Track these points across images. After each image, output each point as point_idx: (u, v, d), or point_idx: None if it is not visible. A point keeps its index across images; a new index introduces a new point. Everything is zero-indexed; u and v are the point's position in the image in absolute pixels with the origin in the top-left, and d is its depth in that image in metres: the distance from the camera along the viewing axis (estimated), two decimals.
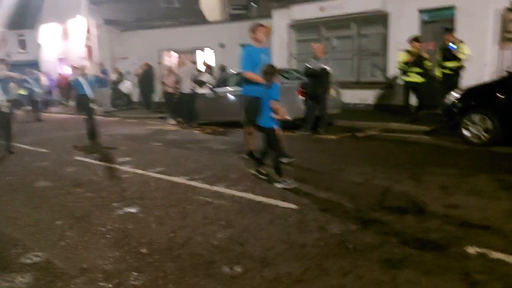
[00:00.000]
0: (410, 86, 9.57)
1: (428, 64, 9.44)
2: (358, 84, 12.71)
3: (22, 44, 29.13)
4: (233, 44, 16.58)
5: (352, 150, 7.09)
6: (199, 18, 21.97)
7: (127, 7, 20.11)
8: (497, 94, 6.80)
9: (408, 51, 9.54)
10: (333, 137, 8.42)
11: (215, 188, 5.03)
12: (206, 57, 17.41)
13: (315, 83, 8.74)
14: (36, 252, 3.38)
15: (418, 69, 9.35)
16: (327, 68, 8.69)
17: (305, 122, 9.04)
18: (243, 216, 4.04)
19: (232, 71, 12.02)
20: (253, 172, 5.46)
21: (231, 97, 10.65)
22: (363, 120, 10.07)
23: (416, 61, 9.36)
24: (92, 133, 9.22)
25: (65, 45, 24.93)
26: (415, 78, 9.41)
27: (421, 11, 11.32)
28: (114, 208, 4.45)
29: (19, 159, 7.37)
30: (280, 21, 14.32)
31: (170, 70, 12.29)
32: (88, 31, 10.26)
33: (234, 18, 19.83)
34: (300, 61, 13.69)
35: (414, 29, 11.23)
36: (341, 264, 3.00)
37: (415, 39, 9.59)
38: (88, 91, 9.31)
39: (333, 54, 12.58)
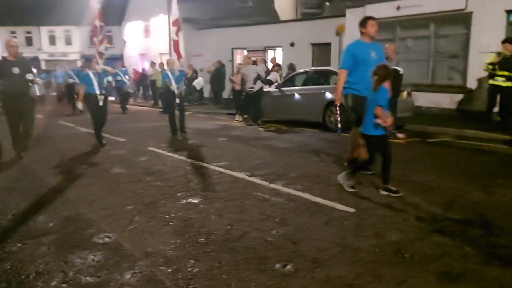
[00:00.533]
0: (495, 90, 8.94)
1: None
2: (433, 87, 12.10)
3: (109, 39, 31.42)
4: (304, 43, 16.55)
5: (420, 156, 6.80)
6: (271, 17, 22.26)
7: (204, 6, 20.88)
8: None
9: (499, 53, 8.91)
10: (401, 140, 8.13)
11: (273, 185, 5.12)
12: (275, 56, 17.55)
13: None
14: (107, 233, 3.70)
15: (506, 73, 8.72)
16: (399, 69, 8.39)
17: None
18: (298, 215, 4.09)
19: (300, 70, 12.02)
20: (344, 181, 4.88)
21: (297, 96, 10.68)
22: (436, 125, 9.59)
23: (505, 64, 8.71)
24: (181, 127, 9.48)
25: (146, 42, 26.51)
26: (502, 82, 8.78)
27: (508, 12, 10.48)
28: (179, 197, 4.71)
29: (99, 147, 8.02)
30: (354, 20, 14.00)
31: (239, 68, 12.60)
32: (178, 27, 10.46)
33: (306, 17, 19.78)
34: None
35: (500, 31, 10.45)
36: (396, 272, 2.94)
37: (508, 41, 8.90)
38: (175, 85, 9.27)
39: (407, 55, 12.10)
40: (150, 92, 19.66)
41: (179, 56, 10.31)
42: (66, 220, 4.05)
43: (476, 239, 3.47)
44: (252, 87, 11.14)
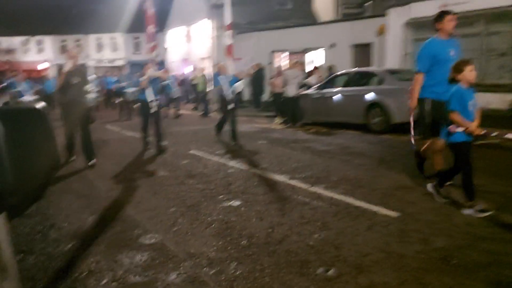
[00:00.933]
0: None
1: None
2: (482, 87, 11.56)
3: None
4: (345, 44, 16.35)
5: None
6: (310, 19, 22.14)
7: (242, 10, 21.09)
8: None
9: None
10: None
11: (314, 188, 5.09)
12: (316, 58, 17.43)
13: None
14: (152, 234, 3.83)
15: None
16: None
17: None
18: (340, 219, 4.04)
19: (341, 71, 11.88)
20: (431, 190, 4.54)
21: (338, 97, 10.55)
22: (485, 126, 9.14)
23: None
24: (233, 135, 8.85)
25: (188, 47, 27.12)
26: None
27: None
28: (220, 200, 4.79)
29: (144, 150, 8.29)
30: (397, 19, 13.72)
31: (279, 71, 12.62)
32: (229, 29, 10.19)
33: (346, 17, 19.52)
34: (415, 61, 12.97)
35: None
36: (443, 280, 2.84)
37: None
38: (227, 90, 8.80)
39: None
40: (192, 96, 20.05)
41: (237, 59, 9.77)
42: (115, 220, 4.22)
43: None
44: (298, 91, 11.22)
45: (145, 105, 8.16)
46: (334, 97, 10.64)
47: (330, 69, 14.51)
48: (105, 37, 39.36)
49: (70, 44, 37.07)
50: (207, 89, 16.77)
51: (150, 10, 8.65)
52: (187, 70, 24.84)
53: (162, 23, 30.07)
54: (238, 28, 21.35)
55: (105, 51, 39.84)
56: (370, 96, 9.63)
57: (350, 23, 16.64)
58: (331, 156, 7.08)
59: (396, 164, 6.34)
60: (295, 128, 10.97)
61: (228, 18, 9.77)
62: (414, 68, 5.26)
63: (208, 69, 20.89)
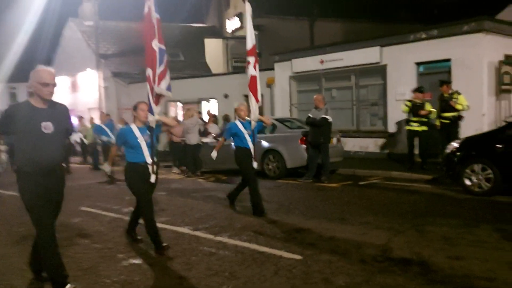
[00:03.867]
0: (413, 135, 9.92)
1: (430, 113, 9.78)
2: (358, 133, 12.97)
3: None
4: (237, 94, 17.08)
5: (354, 199, 7.16)
6: (203, 70, 22.81)
7: (133, 60, 20.96)
8: (496, 143, 6.97)
9: (410, 101, 9.96)
10: (335, 185, 8.52)
11: (219, 238, 5.08)
12: (210, 108, 17.86)
13: (317, 132, 8.98)
14: None
15: (419, 119, 9.74)
16: (328, 117, 8.96)
17: (308, 170, 9.19)
18: (246, 267, 4.08)
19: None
20: None
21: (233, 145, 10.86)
22: (365, 168, 10.20)
23: (418, 110, 9.74)
24: (258, 202, 6.39)
25: (74, 97, 25.73)
26: (417, 127, 9.81)
27: (418, 64, 11.77)
28: (121, 259, 4.49)
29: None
30: (282, 73, 14.87)
31: (176, 121, 12.62)
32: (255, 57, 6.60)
33: (237, 70, 20.58)
34: (300, 111, 14.10)
35: (412, 81, 11.64)
36: None
37: (417, 90, 10.05)
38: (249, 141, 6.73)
39: (333, 104, 12.93)
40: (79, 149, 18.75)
41: (256, 98, 6.80)
42: None
43: (416, 276, 3.69)
44: (199, 139, 11.27)
45: (140, 169, 5.20)
46: (231, 145, 10.90)
47: (226, 118, 14.94)
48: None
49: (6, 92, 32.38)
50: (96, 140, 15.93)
51: (153, 16, 6.75)
52: (73, 121, 23.41)
53: None
54: (129, 77, 21.05)
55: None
56: (265, 143, 10.10)
57: (241, 75, 17.53)
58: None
59: (293, 207, 6.67)
60: (194, 177, 10.91)
61: (252, 40, 7.05)
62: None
63: (96, 120, 19.99)
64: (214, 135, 11.57)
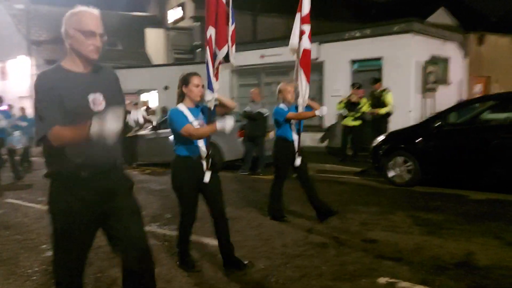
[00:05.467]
0: (347, 130, 10.41)
1: (363, 109, 10.29)
2: None
3: None
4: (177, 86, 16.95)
5: (286, 190, 7.39)
6: (143, 61, 22.31)
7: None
8: (416, 138, 7.51)
9: (346, 97, 10.44)
10: (270, 177, 8.72)
11: (148, 228, 5.08)
12: (148, 99, 17.55)
13: (253, 126, 9.16)
14: None
15: (354, 114, 10.25)
16: (263, 111, 9.17)
17: (244, 163, 9.36)
18: (172, 254, 4.14)
19: None
20: None
21: (172, 138, 10.80)
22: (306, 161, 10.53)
23: (352, 106, 10.24)
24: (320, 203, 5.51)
25: (2, 84, 24.10)
26: (351, 122, 10.32)
27: (353, 61, 12.33)
28: (44, 250, 4.38)
29: None
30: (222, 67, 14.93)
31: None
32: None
33: (178, 62, 20.34)
34: (241, 104, 14.25)
35: (346, 77, 12.18)
36: None
37: (353, 86, 10.55)
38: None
39: (273, 98, 13.20)
40: None
41: (308, 77, 5.31)
42: None
43: (331, 258, 3.95)
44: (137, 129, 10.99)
45: None
46: (169, 137, 10.82)
47: (164, 110, 14.76)
48: None
49: None
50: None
51: None
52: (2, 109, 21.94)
53: None
54: None
55: None
56: None
57: (182, 67, 17.37)
58: (166, 195, 7.16)
59: (227, 198, 6.76)
60: (130, 169, 10.71)
61: (307, 7, 5.31)
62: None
63: (29, 109, 18.90)
64: (151, 127, 11.41)
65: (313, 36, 13.49)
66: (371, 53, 11.97)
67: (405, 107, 11.07)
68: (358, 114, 10.36)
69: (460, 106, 8.57)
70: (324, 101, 12.74)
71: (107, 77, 2.37)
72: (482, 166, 6.79)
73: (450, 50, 13.37)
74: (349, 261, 3.87)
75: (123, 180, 2.47)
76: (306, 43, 5.10)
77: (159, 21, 24.64)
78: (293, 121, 5.19)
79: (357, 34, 12.18)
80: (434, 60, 12.14)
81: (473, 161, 6.86)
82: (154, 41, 22.70)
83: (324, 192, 7.14)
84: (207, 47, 3.71)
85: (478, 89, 14.79)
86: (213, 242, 4.14)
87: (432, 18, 18.08)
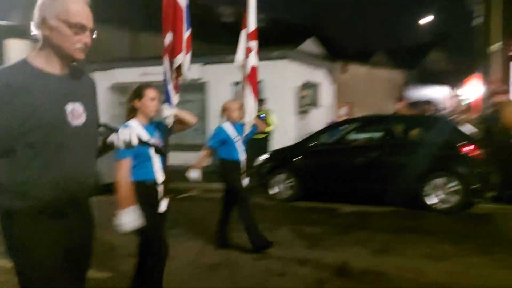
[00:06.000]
0: None
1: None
2: (181, 146, 13.25)
3: None
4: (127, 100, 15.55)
5: (169, 213, 7.26)
6: None
7: None
8: (295, 156, 8.05)
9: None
10: None
11: None
12: None
13: None
14: None
15: None
16: None
17: None
18: None
19: None
20: None
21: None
22: (186, 181, 10.42)
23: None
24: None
25: None
26: None
27: (234, 83, 12.78)
28: None
29: None
30: (102, 83, 14.16)
31: None
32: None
33: None
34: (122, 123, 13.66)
35: (229, 98, 12.53)
36: None
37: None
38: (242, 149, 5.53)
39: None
40: None
41: (256, 94, 4.99)
42: None
43: (224, 277, 3.97)
44: None
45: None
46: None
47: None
48: None
49: None
50: None
51: None
52: None
53: None
54: None
55: None
56: None
57: None
58: None
59: (109, 224, 6.37)
60: None
61: (253, 22, 4.00)
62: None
63: None
64: None
65: (197, 57, 13.61)
66: None
67: (283, 128, 11.82)
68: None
69: (329, 128, 9.46)
70: (207, 120, 12.92)
71: (86, 84, 1.93)
72: (350, 182, 7.58)
73: (320, 77, 14.76)
74: (241, 279, 3.94)
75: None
76: (253, 60, 4.94)
77: (22, 32, 22.27)
78: (238, 140, 4.93)
79: None
80: (307, 85, 13.25)
81: (342, 177, 7.63)
82: (18, 53, 20.50)
83: (208, 212, 7.15)
84: (165, 56, 3.45)
85: (343, 112, 16.50)
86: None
87: (303, 47, 19.75)
